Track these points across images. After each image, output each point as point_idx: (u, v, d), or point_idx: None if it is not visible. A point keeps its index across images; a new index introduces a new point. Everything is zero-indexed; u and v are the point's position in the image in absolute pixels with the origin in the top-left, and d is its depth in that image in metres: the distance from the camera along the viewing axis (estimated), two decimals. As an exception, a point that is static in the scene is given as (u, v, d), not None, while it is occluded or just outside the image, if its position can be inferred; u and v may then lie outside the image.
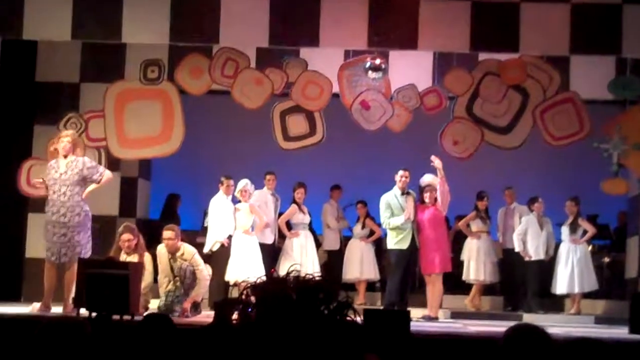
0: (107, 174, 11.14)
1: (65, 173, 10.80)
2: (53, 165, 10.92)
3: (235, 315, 2.45)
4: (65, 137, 10.98)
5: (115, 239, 11.14)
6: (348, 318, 2.41)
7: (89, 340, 3.90)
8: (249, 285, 2.44)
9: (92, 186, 11.03)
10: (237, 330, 2.40)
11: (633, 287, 13.13)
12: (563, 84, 12.63)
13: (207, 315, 10.88)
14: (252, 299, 2.41)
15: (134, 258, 10.78)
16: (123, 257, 10.84)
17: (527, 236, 13.76)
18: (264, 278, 2.47)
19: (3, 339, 6.88)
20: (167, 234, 11.15)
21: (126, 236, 10.89)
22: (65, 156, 10.87)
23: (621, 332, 10.23)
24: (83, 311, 9.69)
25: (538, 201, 13.79)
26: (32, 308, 10.72)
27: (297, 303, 2.35)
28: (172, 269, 11.19)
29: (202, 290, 11.29)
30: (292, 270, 2.47)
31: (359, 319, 2.46)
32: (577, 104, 12.50)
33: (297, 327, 2.31)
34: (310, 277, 2.43)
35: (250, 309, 2.40)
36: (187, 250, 11.25)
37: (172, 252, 11.14)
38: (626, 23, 11.80)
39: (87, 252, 10.85)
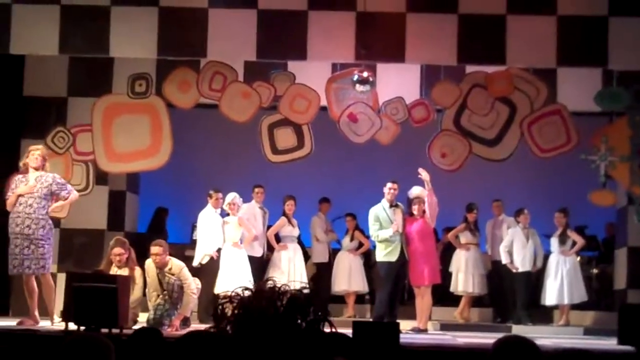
0: (75, 194, 11.27)
1: (34, 186, 10.79)
2: (22, 179, 10.91)
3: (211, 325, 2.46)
4: (36, 151, 11.00)
5: (107, 253, 11.14)
6: (326, 330, 2.42)
7: (110, 358, 3.89)
8: (228, 297, 2.45)
9: (59, 203, 11.10)
10: (213, 339, 2.41)
11: (621, 298, 13.16)
12: (550, 96, 12.66)
13: (195, 329, 10.84)
14: (228, 310, 2.42)
15: (124, 272, 10.78)
16: (114, 270, 10.86)
17: (513, 248, 13.78)
18: (239, 290, 2.47)
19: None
20: (154, 249, 11.13)
21: (117, 250, 10.92)
22: (36, 169, 10.87)
23: (610, 343, 10.24)
24: (71, 325, 9.67)
25: (524, 213, 13.81)
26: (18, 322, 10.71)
27: (274, 315, 2.35)
28: (160, 283, 11.17)
29: (190, 305, 11.26)
30: (267, 281, 2.48)
31: (334, 331, 2.47)
32: (564, 116, 12.54)
33: (274, 338, 2.32)
34: (288, 289, 2.44)
35: (227, 320, 2.40)
36: (175, 264, 11.23)
37: (160, 267, 11.12)
38: (612, 35, 11.86)
39: (49, 266, 10.85)
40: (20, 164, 11.18)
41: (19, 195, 10.79)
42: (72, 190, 11.22)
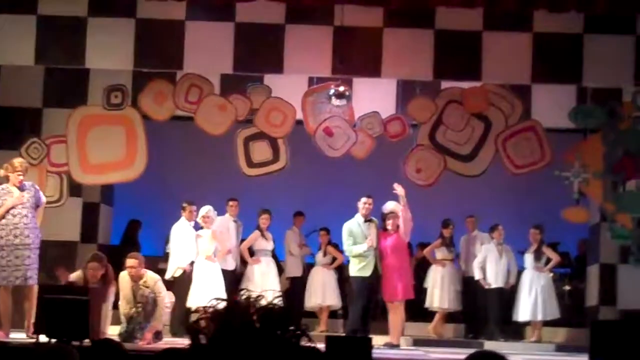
0: (44, 200, 11.25)
1: (24, 196, 10.75)
2: (6, 189, 10.83)
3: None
4: (20, 169, 10.85)
5: (82, 266, 11.07)
6: (303, 344, 2.42)
7: None
8: (204, 310, 2.44)
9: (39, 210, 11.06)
10: (189, 355, 2.40)
11: (593, 315, 13.21)
12: (525, 113, 12.73)
13: (168, 342, 10.80)
14: (203, 324, 2.41)
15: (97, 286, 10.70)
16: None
17: (487, 264, 13.81)
18: (215, 303, 2.46)
19: None
20: (130, 262, 11.08)
21: (93, 265, 10.81)
22: (19, 188, 10.82)
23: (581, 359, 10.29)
24: (43, 337, 9.60)
25: (498, 229, 13.85)
26: None
27: (250, 328, 2.34)
28: (134, 296, 11.11)
29: (162, 319, 11.21)
30: (245, 295, 2.47)
31: (312, 345, 2.47)
32: (539, 132, 12.61)
33: (251, 352, 2.31)
34: (264, 301, 2.43)
35: (202, 334, 2.39)
36: (150, 277, 11.18)
37: (136, 280, 11.07)
38: (587, 52, 11.97)
39: (36, 276, 10.78)
40: (1, 172, 11.08)
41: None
42: (43, 197, 11.23)
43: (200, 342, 2.36)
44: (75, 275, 10.89)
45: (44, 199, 11.18)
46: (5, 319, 10.75)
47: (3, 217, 10.70)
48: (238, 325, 2.33)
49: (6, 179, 10.92)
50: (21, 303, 10.87)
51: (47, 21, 12.08)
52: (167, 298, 11.21)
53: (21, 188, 10.84)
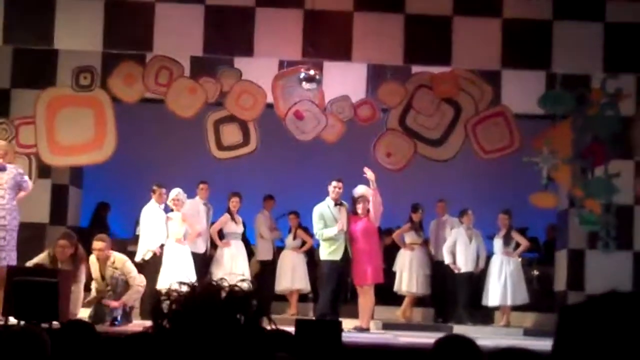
0: (30, 183, 11.26)
1: (2, 178, 10.71)
2: None
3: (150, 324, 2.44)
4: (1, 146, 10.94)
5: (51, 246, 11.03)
6: (266, 326, 2.42)
7: (45, 350, 3.86)
8: (166, 293, 2.43)
9: (22, 194, 11.04)
10: (152, 338, 2.39)
11: (562, 300, 13.30)
12: (494, 98, 12.78)
13: (137, 325, 10.79)
14: (165, 306, 2.40)
15: (67, 267, 10.66)
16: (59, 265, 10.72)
17: (456, 248, 13.88)
18: (176, 286, 2.46)
19: None
20: (96, 244, 11.07)
21: (62, 242, 10.77)
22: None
23: (549, 344, 10.34)
24: (12, 320, 9.56)
25: (467, 213, 13.92)
26: None
27: (212, 310, 2.34)
28: (103, 278, 11.09)
29: (134, 296, 11.20)
30: (207, 277, 2.47)
31: (274, 327, 2.47)
32: (508, 118, 12.66)
33: (213, 334, 2.31)
34: (226, 283, 2.42)
35: (165, 317, 2.39)
36: (118, 258, 11.17)
37: (103, 261, 11.05)
38: (556, 39, 12.02)
39: (11, 257, 10.74)
40: None
41: None
42: (30, 182, 11.25)
43: (164, 325, 2.36)
44: (41, 257, 10.82)
45: (28, 185, 11.15)
46: None
47: None
48: (200, 308, 2.33)
49: None
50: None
51: (16, 1, 11.98)
52: (139, 278, 11.20)
53: (1, 169, 10.80)
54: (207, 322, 2.30)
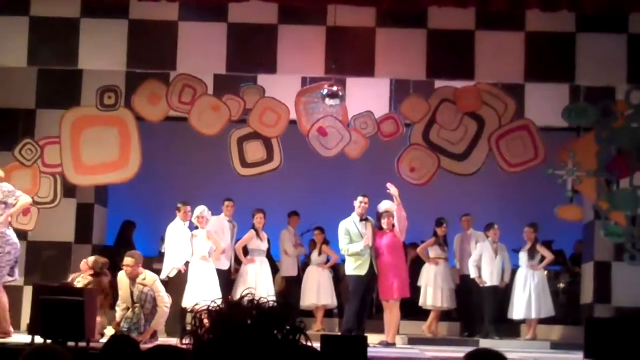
0: (24, 198, 10.85)
1: None
2: None
3: (187, 340, 2.45)
4: None
5: (75, 266, 11.05)
6: (301, 342, 2.43)
7: None
8: (203, 310, 2.45)
9: (11, 210, 10.70)
10: (193, 353, 2.41)
11: (588, 312, 13.24)
12: (518, 112, 12.75)
13: (163, 342, 10.80)
14: (206, 322, 2.42)
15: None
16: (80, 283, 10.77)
17: (482, 262, 13.83)
18: (217, 302, 2.48)
19: None
20: (127, 260, 11.13)
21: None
22: None
23: (576, 357, 10.30)
24: (38, 338, 9.60)
25: (494, 227, 13.87)
26: None
27: (251, 327, 2.36)
28: (132, 294, 11.12)
29: (161, 320, 11.23)
30: (247, 295, 2.48)
31: (310, 344, 2.48)
32: (532, 131, 12.63)
33: (251, 350, 2.32)
34: (265, 301, 2.44)
35: (203, 334, 2.40)
36: (149, 276, 11.21)
37: (133, 278, 11.08)
38: (579, 51, 11.99)
39: (4, 276, 10.61)
40: None
41: None
42: (22, 195, 10.80)
43: (201, 342, 2.38)
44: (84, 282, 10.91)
45: (16, 199, 10.70)
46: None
47: None
48: (237, 325, 2.34)
49: None
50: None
51: (40, 22, 12.08)
52: (166, 298, 11.22)
53: None
54: (245, 338, 2.31)
